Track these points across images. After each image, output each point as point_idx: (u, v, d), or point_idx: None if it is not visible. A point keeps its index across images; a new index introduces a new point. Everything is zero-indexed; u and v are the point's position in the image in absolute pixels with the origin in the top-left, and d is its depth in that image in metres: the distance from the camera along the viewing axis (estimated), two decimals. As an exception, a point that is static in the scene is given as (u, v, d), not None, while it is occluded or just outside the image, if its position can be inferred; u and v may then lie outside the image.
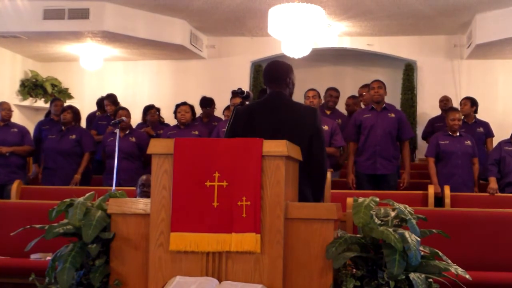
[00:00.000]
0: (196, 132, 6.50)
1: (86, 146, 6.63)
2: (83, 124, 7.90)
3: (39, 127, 7.56)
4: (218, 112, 8.24)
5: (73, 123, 6.73)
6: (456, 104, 8.09)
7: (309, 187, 3.25)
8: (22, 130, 6.89)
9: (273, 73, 3.38)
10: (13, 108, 9.27)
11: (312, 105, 5.90)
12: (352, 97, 7.90)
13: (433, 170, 6.10)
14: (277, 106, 3.29)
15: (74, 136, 6.62)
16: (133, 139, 6.54)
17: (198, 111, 7.66)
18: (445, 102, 7.91)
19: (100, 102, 8.21)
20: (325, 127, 5.85)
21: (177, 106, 6.68)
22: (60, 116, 6.75)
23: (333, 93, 7.15)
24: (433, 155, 6.17)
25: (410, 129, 6.37)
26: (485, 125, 7.16)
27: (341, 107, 7.91)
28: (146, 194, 4.73)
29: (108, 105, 7.70)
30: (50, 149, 6.58)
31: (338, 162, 6.59)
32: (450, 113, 6.30)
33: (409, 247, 2.47)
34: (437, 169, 6.16)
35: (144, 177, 4.95)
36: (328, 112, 7.02)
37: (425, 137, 7.95)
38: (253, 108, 3.37)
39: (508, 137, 6.28)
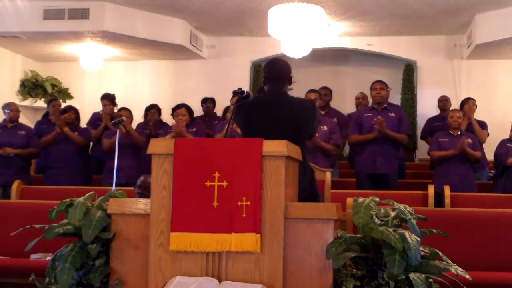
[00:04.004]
0: (194, 129, 6.49)
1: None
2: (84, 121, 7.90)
3: (38, 126, 7.56)
4: (219, 112, 8.25)
5: (75, 123, 6.78)
6: (453, 103, 8.09)
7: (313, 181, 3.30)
8: (29, 133, 6.87)
9: (278, 72, 3.41)
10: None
11: None
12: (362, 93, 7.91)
13: (441, 153, 6.10)
14: (277, 101, 3.32)
15: (76, 135, 6.67)
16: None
17: (198, 111, 7.67)
18: (444, 102, 7.90)
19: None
20: (324, 127, 5.83)
21: (173, 109, 6.66)
22: (63, 116, 6.74)
23: (321, 91, 6.78)
24: (437, 150, 6.20)
25: (405, 127, 6.36)
26: (483, 124, 7.17)
27: (341, 105, 7.90)
28: (141, 195, 4.74)
29: (107, 104, 7.68)
30: (54, 148, 6.59)
31: (335, 159, 6.59)
32: (450, 112, 6.39)
33: (409, 247, 2.47)
34: (435, 167, 6.19)
35: (142, 177, 4.95)
36: (323, 112, 6.83)
37: (423, 137, 7.95)
38: (253, 104, 3.38)
39: (508, 136, 6.33)
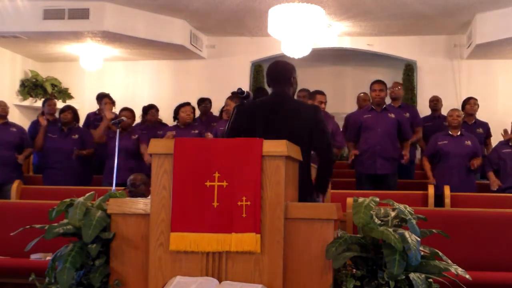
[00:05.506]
0: (196, 131, 6.51)
1: (88, 145, 6.74)
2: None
3: (35, 125, 7.56)
4: (217, 113, 8.24)
5: (73, 123, 6.79)
6: (453, 103, 8.09)
7: (310, 189, 3.27)
8: (21, 131, 6.90)
9: (279, 74, 3.39)
10: (13, 107, 9.33)
11: None
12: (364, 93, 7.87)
13: (427, 167, 6.22)
14: (279, 105, 3.31)
15: (76, 136, 6.72)
16: (135, 137, 6.56)
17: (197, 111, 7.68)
18: (435, 102, 7.88)
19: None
20: None
21: (181, 106, 6.68)
22: (60, 116, 6.79)
23: (300, 94, 6.43)
24: (428, 155, 6.27)
25: (408, 130, 6.37)
26: (485, 125, 7.16)
27: (341, 105, 7.86)
28: (131, 193, 4.76)
29: (108, 103, 7.66)
30: (53, 148, 6.63)
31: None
32: (449, 111, 6.37)
33: (409, 247, 2.47)
34: (435, 168, 6.20)
35: (131, 177, 4.97)
36: None
37: None
38: (255, 107, 3.37)
39: (505, 137, 6.33)
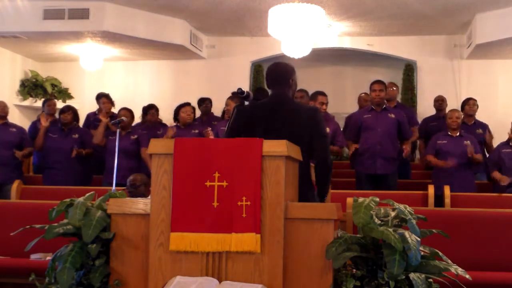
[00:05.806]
0: (196, 131, 6.52)
1: (88, 145, 6.76)
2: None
3: (35, 125, 7.57)
4: (217, 113, 8.25)
5: (74, 123, 6.80)
6: (453, 103, 8.09)
7: (311, 189, 3.26)
8: (21, 131, 6.91)
9: (278, 75, 3.39)
10: (13, 108, 9.33)
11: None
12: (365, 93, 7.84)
13: (433, 159, 6.18)
14: (279, 107, 3.30)
15: (77, 136, 6.73)
16: (134, 137, 6.56)
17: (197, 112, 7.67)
18: (440, 102, 7.88)
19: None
20: (327, 129, 5.81)
21: (181, 106, 6.68)
22: (60, 116, 6.79)
23: (298, 94, 5.98)
24: (431, 153, 6.24)
25: (407, 130, 6.38)
26: (484, 126, 7.15)
27: (341, 105, 7.84)
28: (132, 194, 4.76)
29: (106, 102, 7.66)
30: (54, 148, 6.64)
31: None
32: (449, 112, 6.38)
33: (409, 247, 2.47)
34: (435, 169, 6.20)
35: (131, 177, 4.97)
36: None
37: (420, 137, 7.93)
38: (255, 108, 3.38)
39: (506, 137, 6.32)
